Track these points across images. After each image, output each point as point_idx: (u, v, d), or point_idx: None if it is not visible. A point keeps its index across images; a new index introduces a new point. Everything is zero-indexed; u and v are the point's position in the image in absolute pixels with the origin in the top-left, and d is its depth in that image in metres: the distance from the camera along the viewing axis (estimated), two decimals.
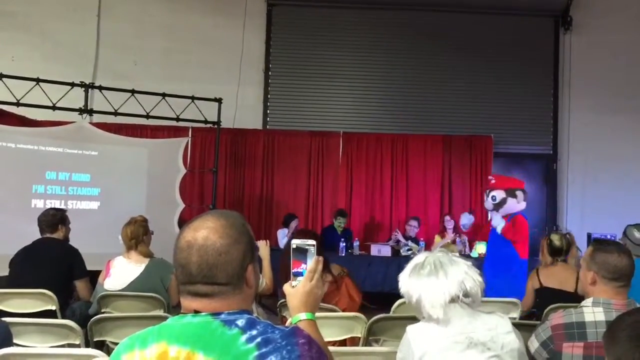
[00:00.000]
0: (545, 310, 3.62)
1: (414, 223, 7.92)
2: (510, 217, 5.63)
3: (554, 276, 4.10)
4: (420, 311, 2.10)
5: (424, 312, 2.08)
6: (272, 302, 4.74)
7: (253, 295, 1.40)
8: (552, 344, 2.26)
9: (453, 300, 2.05)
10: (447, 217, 7.93)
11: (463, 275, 2.07)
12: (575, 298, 3.81)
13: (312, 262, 1.61)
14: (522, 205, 5.76)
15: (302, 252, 1.62)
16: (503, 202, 5.72)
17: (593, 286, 2.34)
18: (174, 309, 3.91)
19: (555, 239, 4.22)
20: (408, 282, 2.12)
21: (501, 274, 5.42)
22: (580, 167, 8.99)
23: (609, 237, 7.17)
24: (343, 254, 7.18)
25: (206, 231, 1.33)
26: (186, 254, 1.32)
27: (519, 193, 5.77)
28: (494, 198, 5.76)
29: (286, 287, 1.63)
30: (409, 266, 2.16)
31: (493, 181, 5.99)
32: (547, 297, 3.83)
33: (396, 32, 9.10)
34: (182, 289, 1.35)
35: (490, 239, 5.83)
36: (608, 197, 8.75)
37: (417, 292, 2.08)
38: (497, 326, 2.06)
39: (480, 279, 2.11)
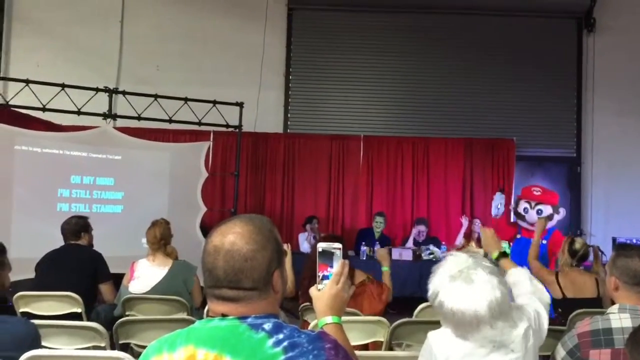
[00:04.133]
0: (570, 317, 3.57)
1: (421, 228, 7.81)
2: (550, 232, 5.50)
3: (574, 283, 4.04)
4: (446, 321, 2.05)
5: (451, 325, 2.03)
6: (293, 306, 4.74)
7: (280, 299, 1.41)
8: (578, 352, 2.23)
9: (485, 317, 1.96)
10: (477, 221, 7.84)
11: (492, 298, 1.97)
12: (598, 304, 3.76)
13: (338, 266, 1.61)
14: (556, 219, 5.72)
15: (328, 256, 1.62)
16: (550, 218, 5.60)
17: (616, 292, 2.32)
18: (197, 311, 3.95)
19: (578, 241, 4.18)
20: (443, 291, 2.03)
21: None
22: (605, 170, 8.86)
23: (634, 241, 7.08)
24: (364, 258, 7.16)
25: (233, 236, 1.34)
26: (213, 258, 1.34)
27: (562, 210, 5.76)
28: (540, 212, 5.62)
29: (312, 291, 1.63)
30: (442, 275, 2.05)
31: (538, 193, 5.81)
32: (571, 308, 3.75)
33: (417, 35, 9.07)
34: (208, 292, 1.36)
35: (524, 248, 5.70)
36: (633, 200, 8.62)
37: (448, 306, 2.00)
38: (516, 325, 2.04)
39: (509, 299, 2.04)
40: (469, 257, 2.08)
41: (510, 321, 2.04)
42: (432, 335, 2.08)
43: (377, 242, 7.52)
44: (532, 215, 5.69)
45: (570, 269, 4.12)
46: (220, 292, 1.33)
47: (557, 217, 5.72)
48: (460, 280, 2.00)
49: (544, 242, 5.54)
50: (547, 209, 5.66)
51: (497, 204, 5.78)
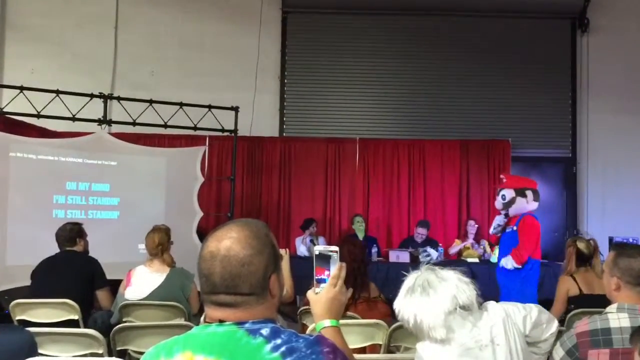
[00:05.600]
0: (568, 316, 3.57)
1: (421, 230, 7.80)
2: (519, 219, 5.46)
3: (591, 282, 4.01)
4: (422, 334, 2.08)
5: (424, 334, 2.07)
6: (291, 310, 4.74)
7: (277, 304, 1.40)
8: (577, 351, 2.22)
9: (450, 313, 2.04)
10: (471, 222, 7.89)
11: (454, 289, 2.06)
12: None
13: (335, 269, 1.60)
14: (532, 206, 5.55)
15: (325, 259, 1.61)
16: (512, 201, 5.52)
17: (617, 292, 2.30)
18: (195, 317, 3.93)
19: (583, 247, 4.15)
20: (403, 307, 2.11)
21: (512, 277, 5.32)
22: (600, 170, 8.89)
23: (630, 240, 7.08)
24: None
25: (229, 241, 1.34)
26: (209, 264, 1.33)
27: (529, 193, 5.57)
28: (503, 197, 5.59)
29: (310, 294, 1.63)
30: (402, 291, 2.15)
31: (504, 180, 5.82)
32: (589, 305, 3.72)
33: (411, 37, 9.08)
34: (205, 299, 1.35)
35: (501, 242, 5.71)
36: (629, 200, 8.64)
37: (412, 317, 2.07)
38: (496, 319, 2.08)
39: (472, 290, 2.09)
40: (424, 269, 2.16)
41: (484, 315, 2.08)
42: (421, 346, 2.10)
43: (375, 245, 7.52)
44: (497, 202, 5.72)
45: (585, 270, 4.10)
46: (217, 297, 1.32)
47: (523, 202, 5.54)
48: (418, 289, 2.08)
49: (514, 228, 5.51)
50: (509, 193, 5.57)
51: (497, 224, 5.77)
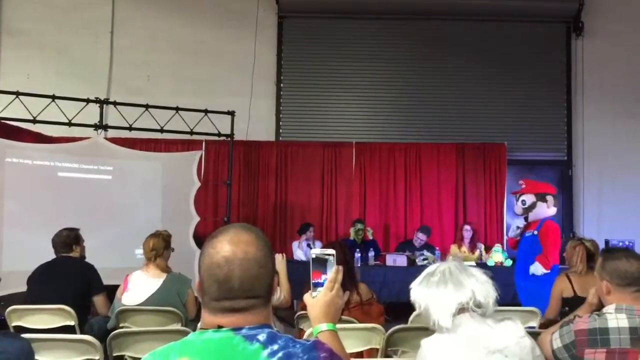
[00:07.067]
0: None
1: (421, 236, 7.81)
2: (540, 223, 5.48)
3: (588, 285, 4.00)
4: (428, 320, 2.08)
5: (431, 321, 2.06)
6: (288, 314, 4.72)
7: (270, 308, 1.41)
8: (574, 349, 2.24)
9: (463, 309, 2.03)
10: (467, 227, 7.88)
11: (474, 285, 2.05)
12: None
13: (332, 272, 1.60)
14: (552, 211, 5.59)
15: (321, 263, 1.61)
16: (533, 206, 5.56)
17: (609, 296, 2.34)
18: (191, 322, 3.92)
19: (590, 245, 4.15)
20: (417, 290, 2.12)
21: (532, 281, 5.31)
22: (596, 173, 8.91)
23: (626, 243, 7.10)
24: (358, 265, 7.14)
25: (244, 245, 1.33)
26: (227, 269, 1.30)
27: (549, 197, 5.62)
28: (523, 202, 5.61)
29: (306, 298, 1.62)
30: (421, 275, 2.16)
31: (524, 186, 5.81)
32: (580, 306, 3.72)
33: (408, 41, 9.11)
34: (214, 305, 1.32)
35: (521, 246, 5.70)
36: (625, 203, 8.67)
37: (425, 300, 2.07)
38: (512, 332, 2.04)
39: (491, 289, 2.07)
40: (450, 259, 2.20)
41: (502, 324, 2.06)
42: (426, 343, 2.08)
43: (372, 249, 7.51)
44: (517, 208, 5.74)
45: (586, 273, 4.09)
46: (231, 303, 1.30)
47: (544, 207, 5.58)
48: (438, 274, 2.09)
49: (535, 232, 5.52)
50: (529, 198, 5.61)
51: (516, 226, 5.78)
